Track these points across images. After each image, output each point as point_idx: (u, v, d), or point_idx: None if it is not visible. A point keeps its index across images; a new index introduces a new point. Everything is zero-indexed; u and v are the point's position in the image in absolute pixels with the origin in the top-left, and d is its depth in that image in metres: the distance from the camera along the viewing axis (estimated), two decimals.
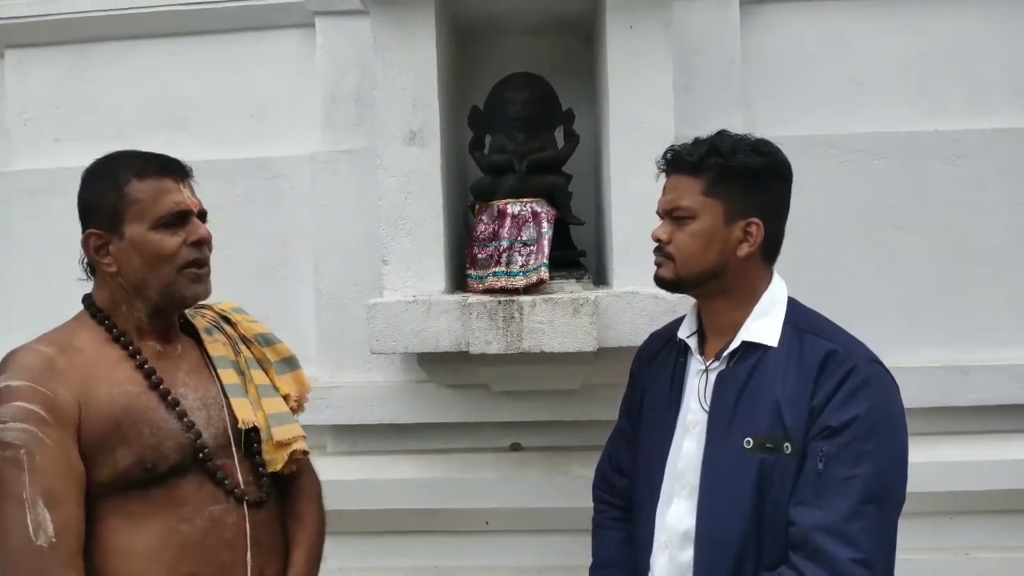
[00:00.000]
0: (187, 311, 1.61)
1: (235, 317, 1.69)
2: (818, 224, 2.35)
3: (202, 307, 1.67)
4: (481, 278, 2.14)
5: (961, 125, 2.45)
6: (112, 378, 1.39)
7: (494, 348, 2.03)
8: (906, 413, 1.45)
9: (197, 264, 1.46)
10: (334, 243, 2.53)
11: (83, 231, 1.46)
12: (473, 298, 2.07)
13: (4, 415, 1.29)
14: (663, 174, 1.57)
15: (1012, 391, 2.41)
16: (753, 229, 1.48)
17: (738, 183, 1.46)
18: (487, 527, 2.54)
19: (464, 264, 2.24)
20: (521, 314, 2.02)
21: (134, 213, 1.41)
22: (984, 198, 2.44)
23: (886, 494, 1.37)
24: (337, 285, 2.52)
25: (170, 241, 1.43)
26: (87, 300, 1.50)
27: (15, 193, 2.67)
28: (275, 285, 2.55)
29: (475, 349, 2.04)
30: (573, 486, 2.38)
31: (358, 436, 2.55)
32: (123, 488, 1.36)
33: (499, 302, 2.03)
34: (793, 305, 1.53)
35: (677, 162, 1.52)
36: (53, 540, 1.26)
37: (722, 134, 1.51)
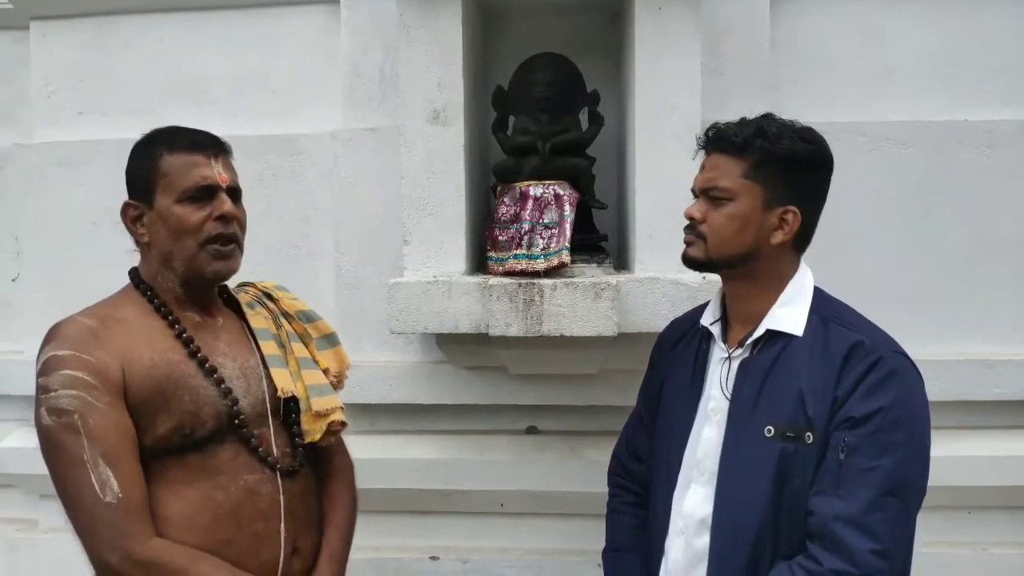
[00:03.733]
0: (231, 287, 1.65)
1: (277, 294, 1.73)
2: (844, 212, 2.30)
3: (245, 285, 1.72)
4: (502, 260, 2.13)
5: (992, 115, 2.40)
6: (154, 347, 1.43)
7: (514, 331, 2.02)
8: (929, 406, 1.43)
9: (221, 240, 1.47)
10: (355, 222, 2.52)
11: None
12: (494, 280, 2.06)
13: (54, 384, 1.35)
14: (701, 152, 1.54)
15: None
16: (790, 217, 1.46)
17: (781, 169, 1.44)
18: (502, 509, 2.54)
19: (485, 246, 2.23)
20: (541, 297, 2.01)
21: (163, 185, 1.45)
22: (1014, 189, 2.39)
23: (907, 487, 1.36)
24: (357, 264, 2.52)
25: (194, 215, 1.45)
26: (133, 272, 1.54)
27: (39, 165, 2.67)
28: (295, 263, 2.54)
29: (495, 331, 2.03)
30: (589, 470, 2.38)
31: (376, 415, 2.56)
32: (161, 455, 1.40)
33: (520, 284, 2.02)
34: (819, 295, 1.51)
35: (720, 141, 1.49)
36: (120, 495, 1.32)
37: (768, 117, 1.48)
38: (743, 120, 1.49)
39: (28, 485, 2.72)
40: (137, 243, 1.53)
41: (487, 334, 2.05)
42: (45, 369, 1.37)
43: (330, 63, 2.57)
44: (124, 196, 1.51)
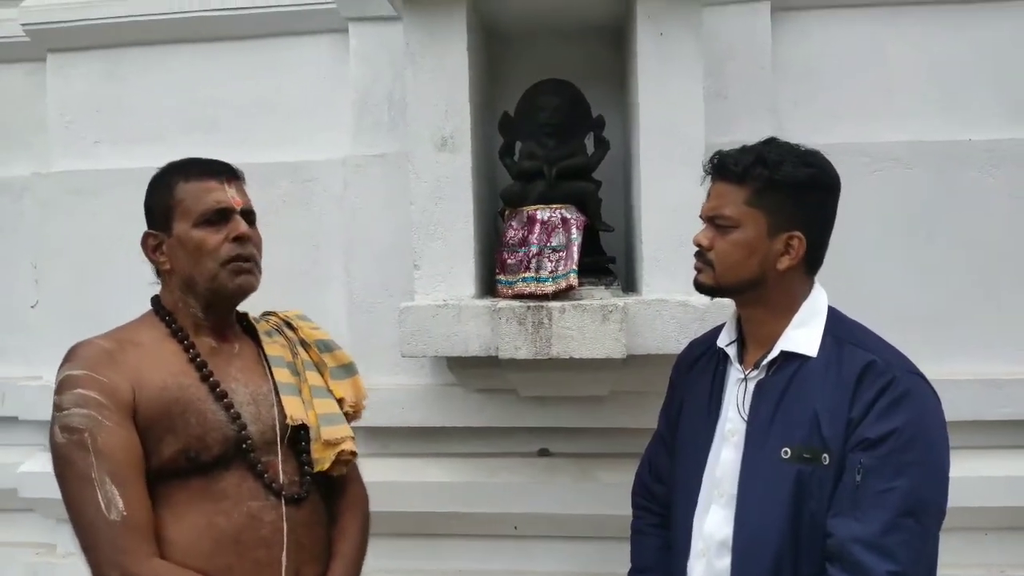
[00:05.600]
0: (252, 316, 1.68)
1: (297, 323, 1.75)
2: (849, 233, 2.28)
3: (268, 313, 1.75)
4: (510, 283, 2.15)
5: (996, 134, 2.41)
6: (167, 369, 1.46)
7: (523, 353, 2.03)
8: (946, 426, 1.43)
9: (240, 259, 1.52)
10: (365, 247, 2.54)
11: None
12: (503, 303, 2.08)
13: (66, 403, 1.38)
14: (708, 178, 1.55)
15: None
16: (795, 243, 1.47)
17: (783, 195, 1.45)
18: (515, 532, 2.54)
19: (494, 269, 2.25)
20: (550, 320, 2.02)
21: (180, 212, 1.51)
22: (1019, 208, 2.39)
23: (924, 507, 1.36)
24: (368, 289, 2.54)
25: (212, 237, 1.50)
26: (154, 300, 1.59)
27: (56, 194, 2.72)
28: (306, 288, 2.57)
29: (504, 354, 2.04)
30: (602, 493, 2.38)
31: (387, 439, 2.57)
32: (167, 478, 1.42)
33: (528, 307, 2.04)
34: (834, 315, 1.52)
35: (722, 169, 1.50)
36: (124, 514, 1.33)
37: (771, 142, 1.49)
38: (744, 147, 1.50)
39: (47, 509, 2.74)
40: (158, 272, 1.58)
41: (497, 357, 2.06)
42: (60, 388, 1.41)
43: (339, 91, 2.61)
44: (139, 222, 1.55)
